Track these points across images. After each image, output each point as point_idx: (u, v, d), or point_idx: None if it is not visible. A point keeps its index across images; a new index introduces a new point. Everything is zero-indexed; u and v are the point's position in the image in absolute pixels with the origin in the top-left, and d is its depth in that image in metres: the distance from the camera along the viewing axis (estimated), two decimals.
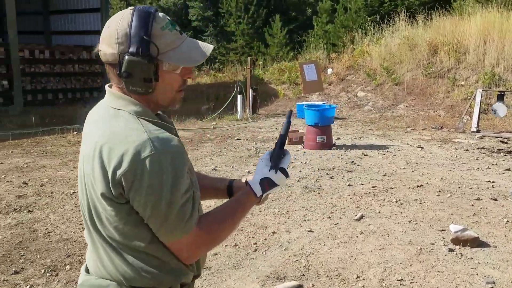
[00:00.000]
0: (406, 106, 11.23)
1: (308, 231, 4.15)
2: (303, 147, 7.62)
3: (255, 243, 3.89)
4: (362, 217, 4.50)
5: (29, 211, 4.63)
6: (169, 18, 1.28)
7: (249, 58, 11.88)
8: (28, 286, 3.20)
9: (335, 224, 4.32)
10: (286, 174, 1.42)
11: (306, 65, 8.76)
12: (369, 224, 4.32)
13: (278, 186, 1.42)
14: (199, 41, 1.32)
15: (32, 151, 7.31)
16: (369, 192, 5.24)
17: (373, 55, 13.06)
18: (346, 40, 14.58)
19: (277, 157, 1.43)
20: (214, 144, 7.87)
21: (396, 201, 4.92)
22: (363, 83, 12.74)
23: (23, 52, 12.03)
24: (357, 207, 4.78)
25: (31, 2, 14.99)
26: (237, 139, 8.31)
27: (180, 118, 10.12)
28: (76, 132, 8.54)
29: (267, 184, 1.39)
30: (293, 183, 5.58)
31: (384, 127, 9.58)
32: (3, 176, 5.79)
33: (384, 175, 5.92)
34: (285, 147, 1.47)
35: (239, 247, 3.83)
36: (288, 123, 1.52)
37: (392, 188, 5.38)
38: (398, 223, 4.34)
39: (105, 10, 13.98)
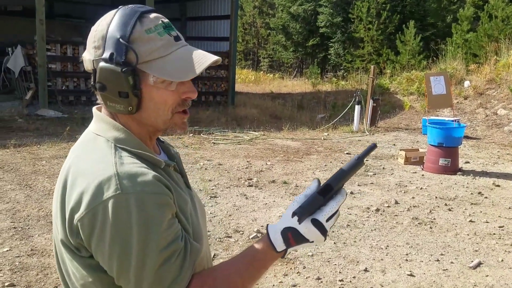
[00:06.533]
0: None
1: (408, 274, 3.52)
2: (422, 169, 6.79)
3: (341, 280, 3.41)
4: (479, 264, 3.71)
5: None
6: (165, 20, 0.98)
7: (372, 66, 11.16)
8: None
9: (444, 270, 3.62)
10: (321, 230, 0.98)
11: (434, 77, 7.80)
12: (487, 275, 3.53)
13: (311, 242, 1.00)
14: (202, 52, 0.99)
15: None
16: (494, 234, 4.36)
17: None
18: (489, 51, 12.97)
19: (311, 202, 0.99)
20: (320, 157, 7.42)
21: None
22: (506, 100, 11.11)
23: None
24: (476, 251, 3.97)
25: (167, 12, 16.12)
26: (347, 153, 7.74)
27: (292, 126, 9.86)
28: (192, 134, 8.77)
29: (292, 237, 0.98)
30: (401, 211, 4.91)
31: None
32: None
33: None
34: (339, 194, 1.01)
35: (322, 282, 3.39)
36: (357, 162, 1.04)
37: None
38: None
39: (234, 17, 14.35)
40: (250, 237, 4.08)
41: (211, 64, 0.98)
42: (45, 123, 8.98)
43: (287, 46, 23.29)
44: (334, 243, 4.02)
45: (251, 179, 5.85)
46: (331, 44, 20.43)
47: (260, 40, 27.59)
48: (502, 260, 3.79)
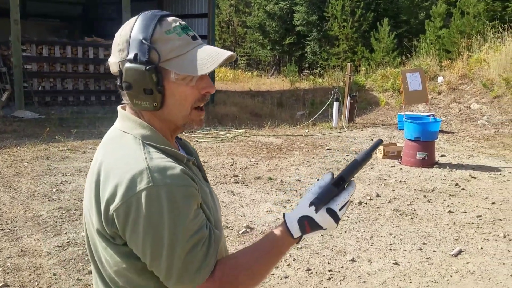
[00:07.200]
0: None
1: (393, 263, 3.67)
2: (400, 163, 6.99)
3: (330, 270, 3.52)
4: (460, 252, 3.89)
5: None
6: (182, 22, 1.07)
7: (348, 64, 11.38)
8: None
9: (427, 258, 3.78)
10: (334, 217, 1.08)
11: (410, 74, 8.05)
12: (468, 262, 3.71)
13: (325, 229, 1.10)
14: (217, 49, 1.08)
15: None
16: (473, 223, 4.56)
17: (491, 64, 11.74)
18: (461, 47, 13.37)
19: (326, 193, 1.09)
20: (302, 153, 7.56)
21: (504, 236, 4.20)
22: (478, 94, 11.50)
23: None
24: (456, 239, 4.16)
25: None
26: (328, 149, 7.91)
27: (273, 124, 9.97)
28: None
29: (308, 224, 1.08)
30: (383, 204, 5.07)
31: (499, 146, 8.48)
32: None
33: (493, 203, 5.14)
34: (350, 185, 1.12)
35: (312, 273, 3.50)
36: (366, 156, 1.14)
37: (501, 220, 4.63)
38: (504, 263, 3.67)
39: (212, 15, 14.35)
40: (240, 232, 4.16)
41: (226, 58, 1.05)
42: (22, 124, 8.84)
43: (264, 44, 23.41)
44: (322, 235, 4.14)
45: (236, 176, 5.93)
46: (307, 42, 20.66)
47: (237, 39, 27.63)
48: (481, 248, 3.98)
